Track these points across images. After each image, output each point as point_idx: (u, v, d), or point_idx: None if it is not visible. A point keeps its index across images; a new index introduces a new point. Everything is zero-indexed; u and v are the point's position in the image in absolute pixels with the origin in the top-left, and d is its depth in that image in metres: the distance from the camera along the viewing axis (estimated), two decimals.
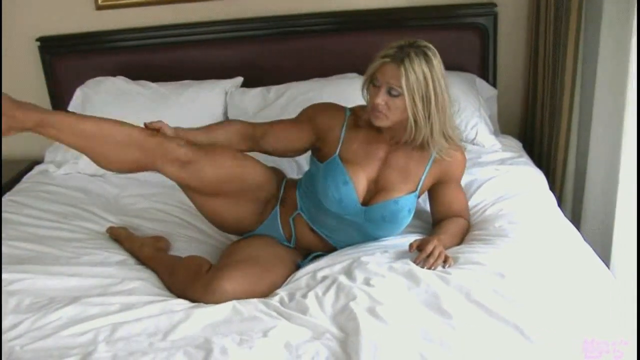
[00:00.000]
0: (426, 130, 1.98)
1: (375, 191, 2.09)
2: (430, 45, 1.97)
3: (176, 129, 2.09)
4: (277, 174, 2.30)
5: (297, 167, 2.74)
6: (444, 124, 2.00)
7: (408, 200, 2.08)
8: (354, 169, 2.08)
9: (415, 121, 1.96)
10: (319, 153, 2.18)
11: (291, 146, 2.20)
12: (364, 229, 2.11)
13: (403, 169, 2.09)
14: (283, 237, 2.21)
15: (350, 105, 2.20)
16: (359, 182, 2.07)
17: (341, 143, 2.11)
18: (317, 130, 2.15)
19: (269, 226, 2.21)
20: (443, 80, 1.96)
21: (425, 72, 1.91)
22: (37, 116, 1.91)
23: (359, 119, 2.11)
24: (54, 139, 1.96)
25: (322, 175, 2.10)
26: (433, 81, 1.93)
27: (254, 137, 2.18)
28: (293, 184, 2.27)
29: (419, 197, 2.15)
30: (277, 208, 2.21)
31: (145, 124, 2.06)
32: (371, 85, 2.00)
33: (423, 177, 2.10)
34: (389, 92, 1.94)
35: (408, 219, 2.12)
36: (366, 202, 2.09)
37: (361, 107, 2.12)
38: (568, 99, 2.65)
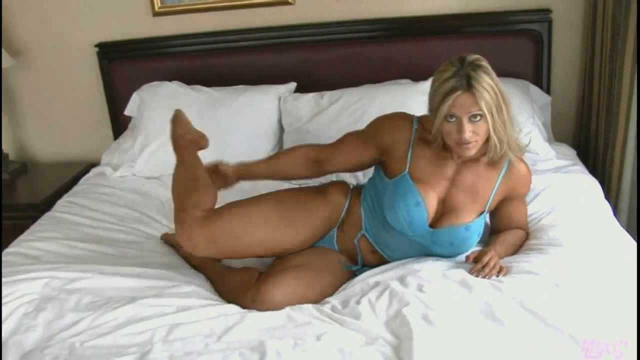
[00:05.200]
0: (507, 139, 1.93)
1: (443, 212, 2.02)
2: (477, 56, 1.91)
3: (237, 164, 2.12)
4: (338, 192, 2.19)
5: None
6: (511, 129, 1.95)
7: (479, 225, 2.02)
8: (424, 189, 2.01)
9: (499, 137, 1.91)
10: (386, 167, 2.11)
11: (357, 164, 2.16)
12: (427, 250, 2.04)
13: (471, 189, 2.02)
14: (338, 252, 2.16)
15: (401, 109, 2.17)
16: (430, 203, 2.00)
17: (410, 159, 2.04)
18: (382, 145, 2.09)
19: (323, 243, 2.17)
20: (499, 81, 1.91)
21: (491, 83, 1.85)
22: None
23: (426, 132, 2.02)
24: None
25: (392, 194, 2.02)
26: (498, 87, 1.87)
27: (319, 160, 2.15)
28: (357, 197, 2.18)
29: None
30: (334, 231, 2.16)
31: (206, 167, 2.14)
32: (445, 122, 1.90)
33: (491, 197, 2.04)
34: (470, 120, 1.87)
35: (476, 242, 2.05)
36: (433, 224, 2.02)
37: (427, 119, 2.01)
38: (625, 105, 2.60)
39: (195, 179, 2.09)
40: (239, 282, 2.03)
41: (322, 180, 2.54)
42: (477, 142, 1.91)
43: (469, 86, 1.83)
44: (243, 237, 2.01)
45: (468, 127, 1.86)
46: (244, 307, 1.91)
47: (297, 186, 2.60)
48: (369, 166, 2.19)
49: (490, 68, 1.90)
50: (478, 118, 1.86)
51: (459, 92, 1.83)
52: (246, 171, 2.15)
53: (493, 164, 2.02)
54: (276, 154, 2.25)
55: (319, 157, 2.16)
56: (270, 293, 1.90)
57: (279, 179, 2.27)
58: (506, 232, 2.13)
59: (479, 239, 2.06)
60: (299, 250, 2.12)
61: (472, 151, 1.93)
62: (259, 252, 2.09)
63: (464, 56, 1.90)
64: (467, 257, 1.96)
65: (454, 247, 2.01)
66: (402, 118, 2.12)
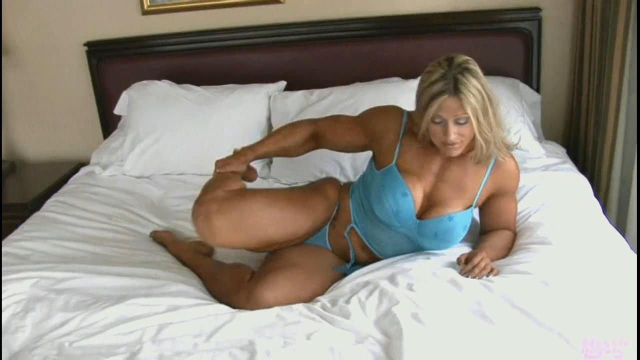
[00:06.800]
0: (493, 139, 1.93)
1: (429, 205, 2.03)
2: (466, 57, 1.90)
3: (245, 148, 2.18)
4: (332, 188, 2.22)
5: (339, 168, 2.72)
6: (498, 130, 1.95)
7: (464, 217, 2.02)
8: (412, 180, 2.02)
9: (485, 139, 1.91)
10: (375, 158, 2.14)
11: (345, 146, 2.21)
12: (415, 243, 2.05)
13: (458, 184, 2.03)
14: (331, 251, 2.17)
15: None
16: (417, 194, 2.01)
17: (398, 151, 2.06)
18: (372, 132, 2.11)
19: (315, 240, 2.18)
20: (487, 83, 1.91)
21: (478, 87, 1.84)
22: None
23: (415, 126, 2.01)
24: None
25: (379, 185, 2.04)
26: (485, 89, 1.87)
27: (317, 136, 2.20)
28: (347, 192, 2.20)
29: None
30: (327, 228, 2.17)
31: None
32: (432, 123, 1.91)
33: (479, 193, 2.05)
34: (456, 123, 1.87)
35: (462, 235, 2.05)
36: (419, 216, 2.03)
37: (416, 114, 2.00)
38: (614, 104, 2.61)
39: (222, 179, 2.12)
40: (231, 280, 2.02)
41: (312, 178, 2.55)
42: (463, 143, 1.93)
43: (455, 90, 1.83)
44: (262, 218, 2.01)
45: (454, 130, 1.88)
46: (237, 307, 1.90)
47: (289, 186, 2.63)
48: (354, 150, 2.25)
49: (478, 70, 1.89)
50: (464, 121, 1.87)
51: (445, 96, 1.84)
52: (259, 153, 2.20)
53: (481, 160, 2.02)
54: (279, 132, 2.26)
55: (317, 133, 2.20)
56: (263, 294, 1.89)
57: (282, 155, 2.31)
58: (495, 234, 2.12)
59: (465, 232, 2.06)
60: (294, 245, 2.12)
61: (457, 151, 1.94)
62: (273, 236, 2.06)
63: (452, 57, 1.89)
64: (459, 260, 1.95)
65: (438, 238, 2.01)
66: (394, 109, 2.14)
